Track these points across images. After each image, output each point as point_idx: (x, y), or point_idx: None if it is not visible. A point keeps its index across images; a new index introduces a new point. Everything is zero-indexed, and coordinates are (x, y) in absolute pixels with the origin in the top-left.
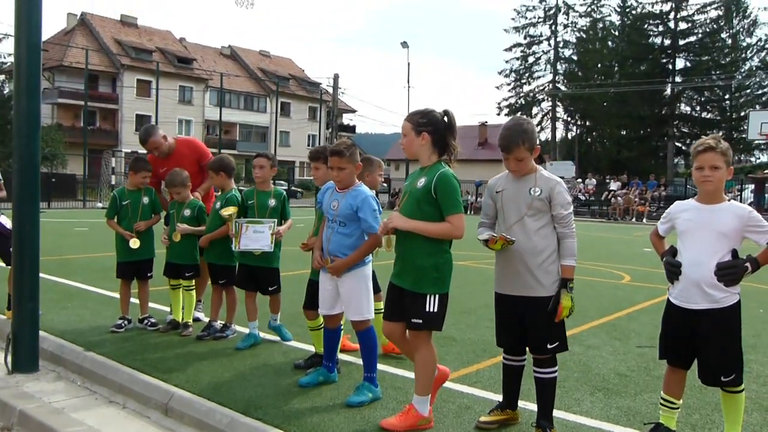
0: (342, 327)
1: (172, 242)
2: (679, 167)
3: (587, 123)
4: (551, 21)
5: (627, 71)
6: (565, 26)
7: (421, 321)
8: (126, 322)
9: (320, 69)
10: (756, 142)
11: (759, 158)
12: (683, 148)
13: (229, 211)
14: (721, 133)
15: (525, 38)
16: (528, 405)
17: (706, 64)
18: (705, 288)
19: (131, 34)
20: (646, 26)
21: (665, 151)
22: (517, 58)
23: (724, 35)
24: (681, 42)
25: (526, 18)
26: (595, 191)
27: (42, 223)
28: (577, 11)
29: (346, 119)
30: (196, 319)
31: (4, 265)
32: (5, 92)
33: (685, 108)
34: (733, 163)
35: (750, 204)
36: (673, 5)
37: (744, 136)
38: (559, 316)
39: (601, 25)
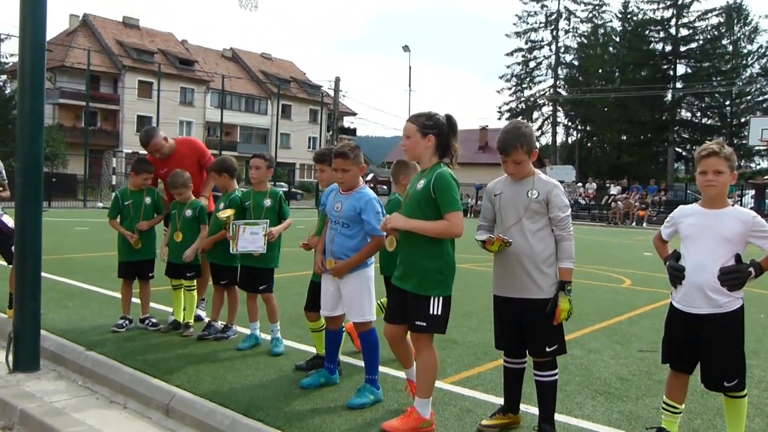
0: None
1: (172, 243)
2: (679, 172)
3: (588, 128)
4: (552, 26)
5: (628, 77)
6: (567, 31)
7: (424, 324)
8: (127, 321)
9: (321, 72)
10: (756, 148)
11: (759, 164)
12: (683, 153)
13: (226, 213)
14: (721, 139)
15: (526, 43)
16: (530, 408)
17: (707, 71)
18: (708, 292)
19: (133, 35)
20: (647, 32)
21: (665, 157)
22: (519, 63)
23: (725, 42)
24: (682, 48)
25: (528, 23)
26: (595, 195)
27: (43, 222)
28: (578, 17)
29: (347, 122)
30: (198, 318)
31: (5, 263)
32: (6, 92)
33: (685, 114)
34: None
35: (750, 209)
36: (675, 12)
37: (744, 142)
38: (557, 318)
39: (602, 30)
